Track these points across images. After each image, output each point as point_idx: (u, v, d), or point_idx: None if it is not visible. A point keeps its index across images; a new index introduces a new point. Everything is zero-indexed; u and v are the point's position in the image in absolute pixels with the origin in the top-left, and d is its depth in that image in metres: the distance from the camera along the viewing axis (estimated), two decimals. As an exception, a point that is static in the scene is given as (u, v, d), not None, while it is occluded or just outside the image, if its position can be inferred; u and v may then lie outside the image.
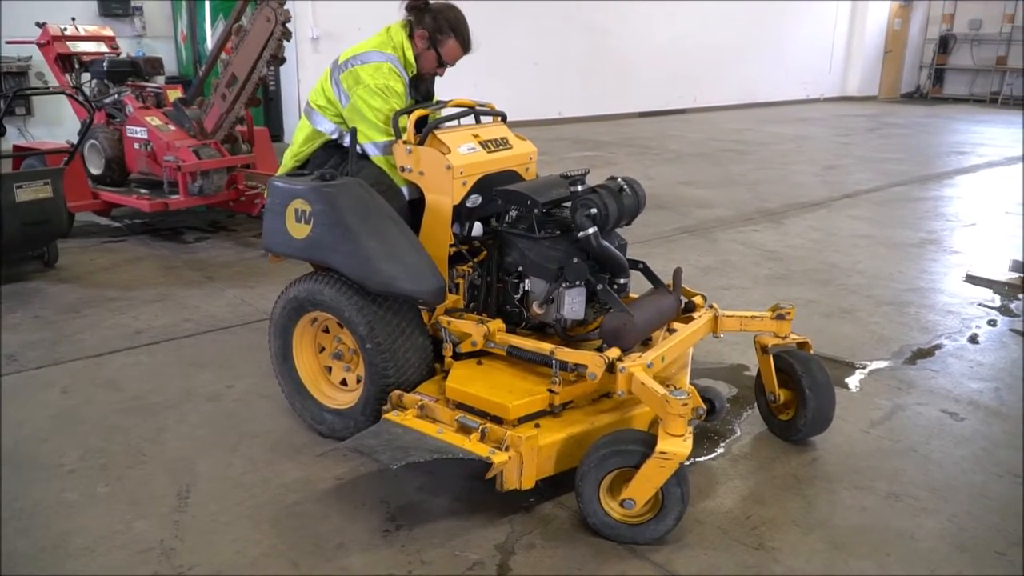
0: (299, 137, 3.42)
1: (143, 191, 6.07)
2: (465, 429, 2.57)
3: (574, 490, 2.50)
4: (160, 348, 3.97)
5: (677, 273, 3.12)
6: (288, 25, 5.31)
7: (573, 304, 2.84)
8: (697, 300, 3.15)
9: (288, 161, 3.42)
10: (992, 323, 4.54)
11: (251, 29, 5.44)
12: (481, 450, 2.46)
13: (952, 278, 5.41)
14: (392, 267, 2.75)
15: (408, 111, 3.10)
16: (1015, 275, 5.25)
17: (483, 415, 2.65)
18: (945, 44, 20.41)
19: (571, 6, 13.34)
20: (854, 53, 19.66)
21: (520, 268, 2.96)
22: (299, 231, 2.87)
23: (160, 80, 7.23)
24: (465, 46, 3.32)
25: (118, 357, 3.85)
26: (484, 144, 3.10)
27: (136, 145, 6.08)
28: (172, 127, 5.96)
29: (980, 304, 4.86)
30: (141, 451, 3.00)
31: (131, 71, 6.59)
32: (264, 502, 2.69)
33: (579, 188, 2.82)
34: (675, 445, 2.31)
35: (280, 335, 3.09)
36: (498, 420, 2.62)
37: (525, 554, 2.45)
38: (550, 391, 2.67)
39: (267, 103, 10.10)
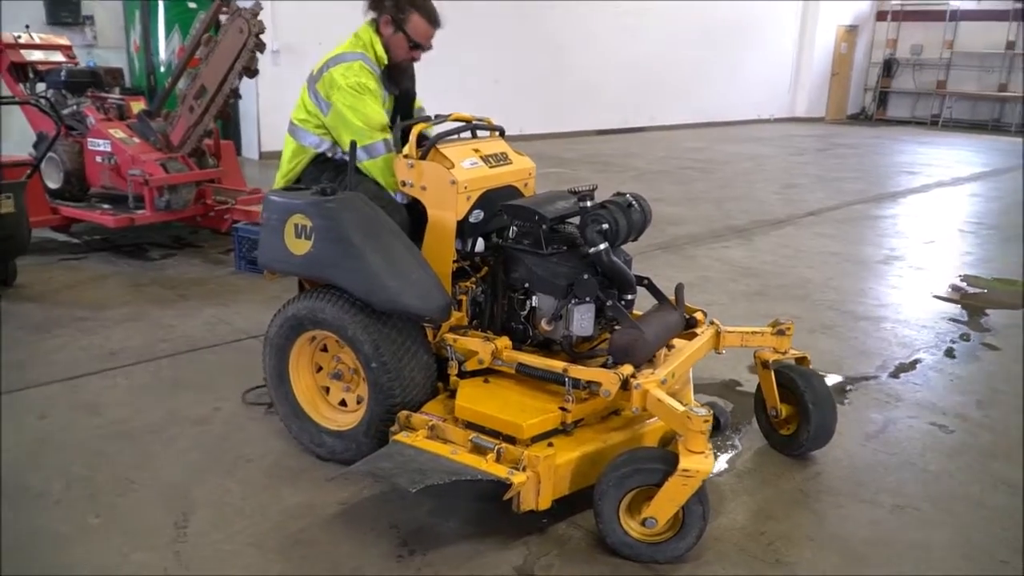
0: (286, 155, 3.34)
1: (106, 206, 5.86)
2: (480, 450, 2.51)
3: (593, 509, 2.46)
4: (137, 370, 3.81)
5: (679, 289, 3.11)
6: (262, 37, 5.20)
7: (582, 320, 2.81)
8: (698, 316, 3.14)
9: (279, 181, 3.33)
10: (965, 337, 4.64)
11: (222, 40, 5.32)
12: (500, 471, 2.40)
13: (920, 294, 5.53)
14: (398, 284, 2.68)
15: (408, 125, 3.05)
16: (973, 289, 5.40)
17: (494, 434, 2.58)
18: (889, 68, 21.10)
19: (532, 24, 13.42)
20: (802, 75, 20.16)
21: (527, 284, 2.91)
22: (299, 247, 2.79)
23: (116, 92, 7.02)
24: (431, 19, 3.23)
25: (94, 380, 3.69)
26: (486, 159, 3.06)
27: (98, 158, 5.86)
28: (137, 140, 5.78)
29: (951, 319, 4.97)
30: (129, 479, 2.86)
31: (90, 81, 6.38)
32: (267, 529, 2.58)
33: (588, 203, 2.80)
34: (698, 462, 2.28)
35: (276, 355, 2.99)
36: (510, 439, 2.56)
37: (546, 574, 2.39)
38: (562, 409, 2.62)
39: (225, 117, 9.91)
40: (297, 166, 3.31)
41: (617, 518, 2.41)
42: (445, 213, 2.91)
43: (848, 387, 3.87)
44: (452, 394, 2.85)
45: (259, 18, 5.18)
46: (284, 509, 2.70)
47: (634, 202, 2.89)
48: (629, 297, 2.84)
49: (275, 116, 9.23)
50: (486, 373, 2.89)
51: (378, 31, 3.23)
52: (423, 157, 2.93)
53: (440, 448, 2.54)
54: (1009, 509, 2.85)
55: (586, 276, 2.76)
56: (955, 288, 5.66)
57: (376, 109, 3.10)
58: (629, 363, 2.63)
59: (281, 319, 2.95)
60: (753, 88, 18.89)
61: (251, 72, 5.39)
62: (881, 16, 21.18)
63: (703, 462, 2.29)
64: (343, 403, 3.01)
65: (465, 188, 2.88)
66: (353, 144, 2.96)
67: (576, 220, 2.91)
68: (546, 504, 2.48)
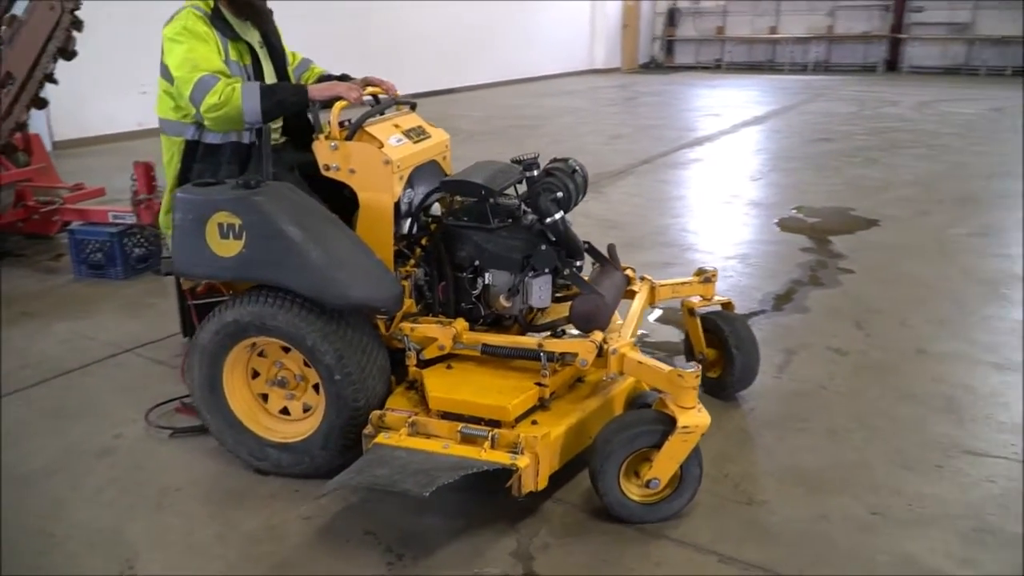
0: (164, 157, 3.05)
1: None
2: (471, 439, 2.40)
3: (592, 479, 2.44)
4: (5, 404, 3.30)
5: (612, 249, 3.12)
6: (78, 13, 4.59)
7: (541, 292, 2.74)
8: (630, 274, 3.17)
9: (168, 184, 3.01)
10: (823, 264, 5.05)
11: (29, 19, 4.64)
12: (502, 458, 2.32)
13: (767, 227, 5.95)
14: (347, 276, 2.48)
15: (325, 102, 2.80)
16: (811, 219, 5.89)
17: (474, 420, 2.49)
18: (672, 17, 22.32)
19: (368, 3, 12.90)
20: (598, 29, 20.84)
21: (477, 262, 2.80)
22: (227, 248, 2.50)
23: None
24: None
25: (-48, 424, 3.16)
26: (407, 134, 2.88)
27: None
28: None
29: (802, 249, 5.39)
30: (47, 532, 2.49)
31: None
32: (234, 561, 2.35)
33: (535, 173, 2.72)
34: (695, 418, 2.31)
35: (209, 362, 2.68)
36: (493, 423, 2.47)
37: (544, 555, 2.35)
38: (539, 384, 2.56)
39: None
40: (173, 160, 2.98)
41: (618, 485, 2.40)
42: (380, 195, 2.71)
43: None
44: (411, 385, 2.71)
45: (73, -8, 4.56)
46: (245, 535, 2.46)
47: (577, 168, 2.84)
48: (578, 263, 2.81)
49: (68, 100, 8.30)
50: (445, 359, 2.76)
51: None
52: (349, 138, 2.71)
53: (430, 444, 2.41)
54: (916, 417, 3.14)
55: (544, 247, 2.68)
56: (794, 219, 6.13)
57: (205, 52, 2.79)
58: (593, 329, 2.61)
59: (217, 324, 2.63)
60: (554, 43, 19.30)
61: (68, 54, 4.76)
62: (662, -33, 22.29)
63: (699, 417, 2.32)
64: (285, 411, 2.77)
65: (398, 167, 2.70)
66: (264, 130, 2.69)
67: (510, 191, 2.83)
68: (544, 483, 2.43)
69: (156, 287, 4.70)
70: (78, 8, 4.60)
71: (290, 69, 3.26)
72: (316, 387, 2.66)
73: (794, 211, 6.38)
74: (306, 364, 2.62)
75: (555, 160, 2.90)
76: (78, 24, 4.64)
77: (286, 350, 2.63)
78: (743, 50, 21.65)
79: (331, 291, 2.46)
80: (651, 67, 22.47)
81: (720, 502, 2.59)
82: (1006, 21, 17.93)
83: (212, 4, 2.91)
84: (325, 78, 3.24)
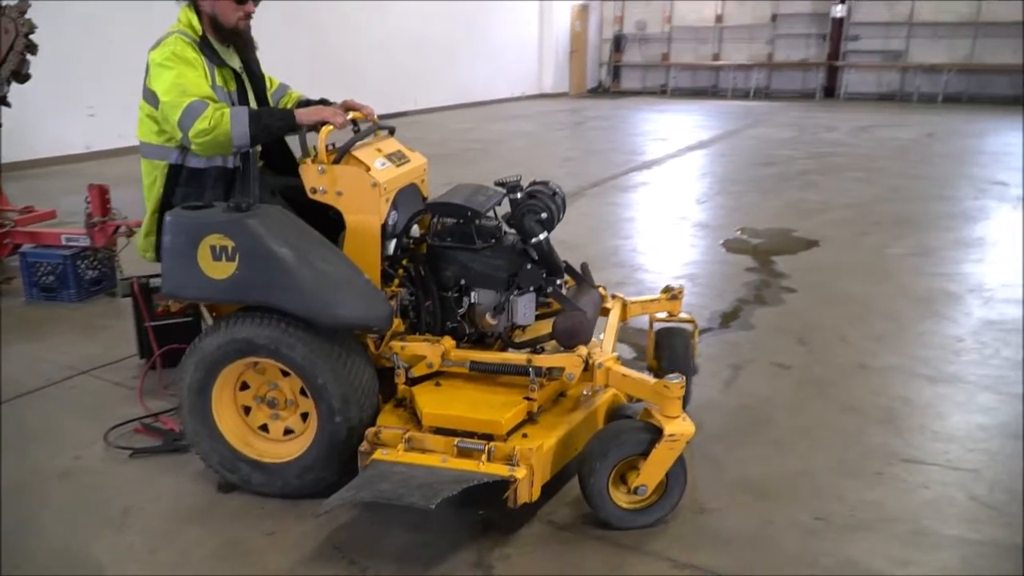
0: (145, 180, 3.04)
1: None
2: (467, 453, 2.49)
3: (581, 487, 2.55)
4: (-44, 428, 3.27)
5: (585, 267, 3.23)
6: (32, 37, 4.57)
7: (526, 310, 2.86)
8: (602, 291, 3.29)
9: (148, 207, 3.03)
10: (766, 284, 5.25)
11: (-19, 41, 4.61)
12: (500, 470, 2.41)
13: (713, 248, 6.15)
14: (340, 296, 2.54)
15: (311, 126, 2.85)
16: (755, 240, 6.12)
17: (467, 435, 2.56)
18: (619, 43, 22.81)
19: (291, 7, 12.90)
20: (546, 54, 21.22)
21: (463, 281, 2.88)
22: (219, 270, 2.52)
23: None
24: None
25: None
26: (390, 158, 2.96)
27: None
28: None
29: (747, 269, 5.59)
30: (15, 548, 2.48)
31: None
32: (200, 577, 2.37)
33: (518, 195, 2.83)
34: (681, 426, 2.46)
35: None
36: (487, 437, 2.56)
37: (505, 565, 2.43)
38: (527, 399, 2.66)
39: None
40: (156, 184, 2.99)
41: (607, 491, 2.51)
42: (368, 217, 2.77)
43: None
44: (399, 403, 2.78)
45: (27, 16, 4.53)
46: (210, 552, 2.49)
47: (557, 190, 2.95)
48: (559, 282, 2.92)
49: (12, 122, 8.17)
50: (433, 377, 2.83)
51: (197, 10, 2.97)
52: (337, 162, 2.77)
53: (429, 459, 2.48)
54: (857, 428, 3.30)
55: (530, 266, 2.80)
56: (738, 240, 6.35)
57: (194, 79, 2.82)
58: (576, 344, 2.72)
59: (226, 337, 2.62)
60: (504, 67, 19.58)
61: (22, 77, 4.72)
62: (608, -5, 22.79)
63: (684, 426, 2.46)
64: (263, 427, 2.79)
65: (385, 190, 2.78)
66: (250, 154, 2.72)
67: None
68: (537, 494, 2.52)
69: (110, 309, 4.68)
70: (32, 32, 4.59)
71: (268, 94, 3.30)
72: (304, 416, 2.71)
73: (739, 232, 6.60)
74: (302, 392, 2.66)
75: (535, 183, 3.01)
76: (32, 48, 4.63)
77: (285, 374, 2.66)
78: (688, 76, 22.21)
79: (325, 311, 2.51)
80: (599, 92, 22.91)
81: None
82: (937, 50, 18.78)
83: (200, 31, 2.95)
84: (304, 103, 3.28)
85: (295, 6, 12.98)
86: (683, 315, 3.37)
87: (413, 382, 2.80)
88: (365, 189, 2.75)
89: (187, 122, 2.74)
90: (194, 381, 2.70)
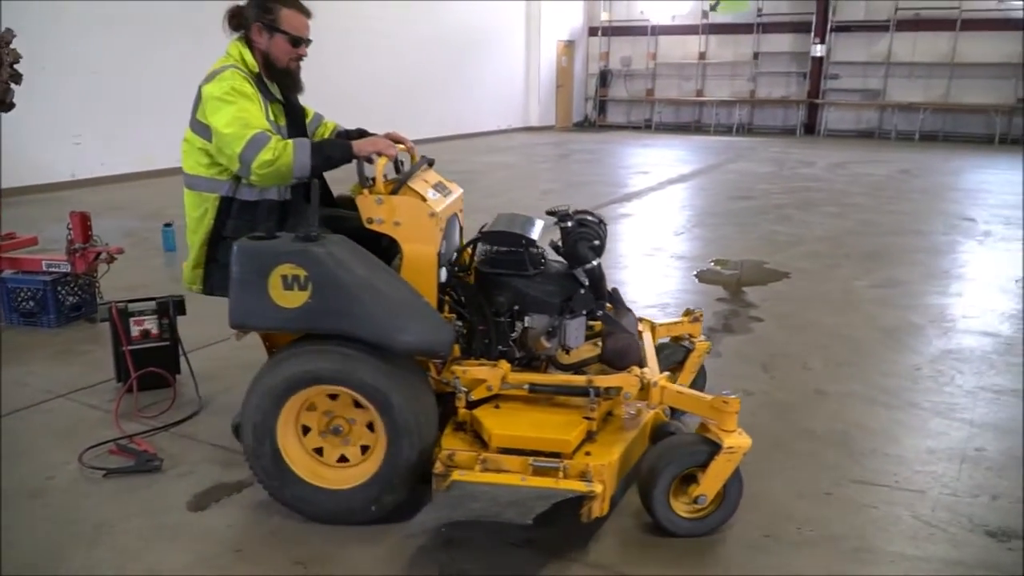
0: (189, 211, 3.08)
1: None
2: (544, 471, 2.58)
3: (643, 499, 2.72)
4: (-69, 448, 3.33)
5: (616, 291, 3.33)
6: (17, 67, 4.70)
7: (576, 333, 2.98)
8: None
9: (196, 239, 3.06)
10: (735, 314, 5.38)
11: (-33, 71, 4.73)
12: (579, 486, 2.51)
13: (687, 279, 6.30)
14: (410, 322, 2.61)
15: (358, 157, 2.94)
16: (728, 271, 6.27)
17: (534, 454, 2.65)
18: (604, 78, 23.21)
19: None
20: (532, 88, 21.55)
21: (516, 306, 2.97)
22: (291, 299, 2.56)
23: None
24: (300, 8, 3.10)
25: None
26: (436, 188, 3.06)
27: None
28: None
29: (718, 299, 5.73)
30: (-20, 566, 2.55)
31: None
32: (167, 592, 2.45)
33: (569, 224, 2.97)
34: (738, 440, 2.63)
35: (272, 402, 2.69)
36: (554, 455, 2.65)
37: (464, 580, 2.51)
38: (587, 418, 2.78)
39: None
40: (206, 216, 3.04)
41: (667, 502, 2.67)
42: (425, 247, 2.84)
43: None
44: (458, 426, 2.86)
45: (12, 46, 4.67)
46: (177, 568, 2.56)
47: (601, 218, 3.11)
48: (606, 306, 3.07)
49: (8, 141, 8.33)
50: (490, 400, 2.92)
51: (250, 46, 3.08)
52: (395, 192, 2.85)
53: (508, 478, 2.57)
54: (812, 451, 3.42)
55: (584, 291, 2.93)
56: (712, 271, 6.50)
57: (254, 112, 2.89)
58: (626, 365, 2.87)
59: (296, 369, 2.66)
60: (491, 101, 19.88)
61: (6, 106, 4.84)
62: (592, 32, 23.22)
63: (742, 439, 2.63)
64: (318, 450, 2.84)
65: (440, 219, 2.87)
66: (312, 185, 2.74)
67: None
68: (607, 508, 2.62)
69: (89, 335, 4.75)
70: (17, 61, 4.71)
71: (306, 124, 3.38)
72: (364, 448, 2.79)
73: (713, 264, 6.76)
74: (369, 427, 2.75)
75: (579, 212, 3.13)
76: (17, 77, 4.74)
77: (357, 405, 2.73)
78: (672, 111, 22.61)
79: (398, 338, 2.58)
80: (585, 126, 23.26)
81: (627, 527, 2.79)
82: (914, 89, 19.22)
83: (256, 67, 3.04)
84: (342, 133, 3.38)
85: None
86: (700, 340, 3.54)
87: (471, 406, 2.87)
88: (423, 219, 2.82)
89: (250, 153, 2.79)
90: (259, 416, 2.72)
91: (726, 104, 21.50)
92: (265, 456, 2.74)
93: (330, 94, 13.82)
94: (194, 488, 3.04)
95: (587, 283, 2.97)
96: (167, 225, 6.95)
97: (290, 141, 2.87)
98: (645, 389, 2.83)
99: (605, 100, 23.52)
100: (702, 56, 21.82)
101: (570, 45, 22.69)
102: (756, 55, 21.08)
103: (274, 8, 3.04)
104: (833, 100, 20.30)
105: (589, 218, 3.12)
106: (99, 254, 4.84)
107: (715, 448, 2.62)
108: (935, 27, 18.69)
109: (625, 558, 2.63)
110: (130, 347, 3.82)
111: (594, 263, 2.94)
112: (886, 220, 8.81)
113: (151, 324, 3.90)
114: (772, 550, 2.67)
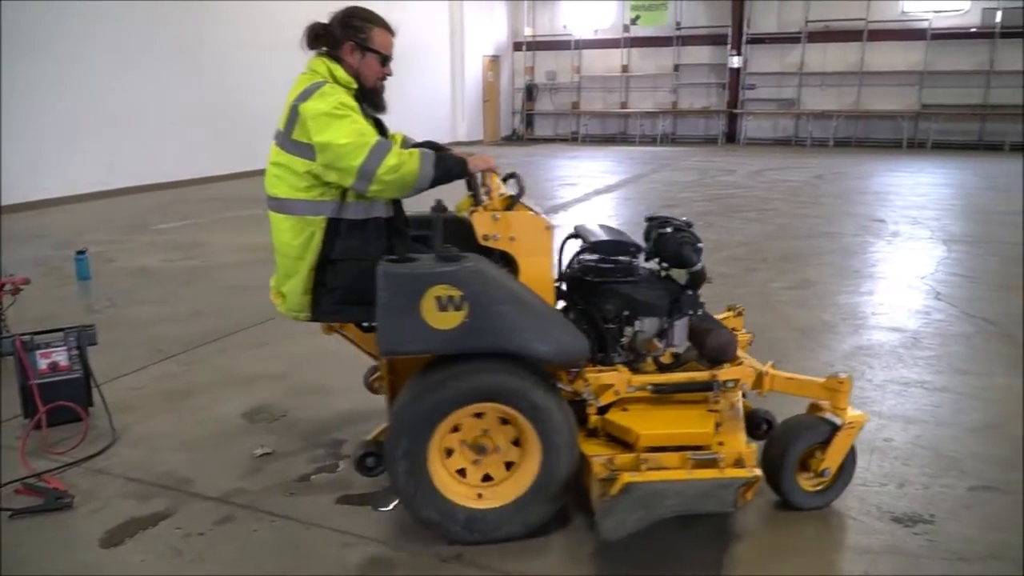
0: (286, 238, 2.93)
1: None
2: (706, 463, 2.66)
3: (769, 476, 2.89)
4: None
5: None
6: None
7: (681, 334, 3.04)
8: None
9: (302, 265, 2.92)
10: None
11: None
12: (743, 473, 2.61)
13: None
14: (559, 334, 2.68)
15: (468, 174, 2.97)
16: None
17: (680, 449, 2.72)
18: (530, 92, 23.47)
19: (199, 60, 12.90)
20: (459, 103, 21.63)
21: (626, 312, 2.98)
22: (446, 320, 2.51)
23: None
24: (389, 27, 3.08)
25: None
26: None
27: None
28: None
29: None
30: None
31: None
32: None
33: (669, 229, 3.05)
34: (855, 415, 2.88)
35: (422, 429, 2.65)
36: (696, 448, 2.73)
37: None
38: (712, 411, 2.88)
39: None
40: (313, 240, 2.90)
41: (795, 478, 2.89)
42: (542, 259, 2.89)
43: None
44: (589, 432, 2.90)
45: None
46: None
47: (691, 221, 3.16)
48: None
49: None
50: (616, 404, 2.94)
51: (340, 63, 3.00)
52: (509, 209, 2.86)
53: (678, 474, 2.62)
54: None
55: (691, 293, 2.99)
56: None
57: (367, 124, 2.84)
58: (726, 360, 2.97)
59: (466, 387, 2.64)
60: (417, 117, 19.80)
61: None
62: (517, 47, 23.49)
63: (858, 415, 2.88)
64: (461, 471, 2.81)
65: (552, 232, 2.91)
66: (438, 203, 2.69)
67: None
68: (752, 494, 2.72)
69: (-5, 370, 4.56)
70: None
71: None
72: (508, 465, 2.81)
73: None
74: (516, 442, 2.78)
75: (668, 218, 3.18)
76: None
77: (504, 422, 2.76)
78: (598, 123, 22.98)
79: (543, 349, 2.63)
80: (513, 139, 23.43)
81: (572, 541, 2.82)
82: (827, 97, 19.96)
83: (354, 84, 2.99)
84: (411, 144, 3.27)
85: (203, 60, 13.02)
86: (743, 333, 3.59)
87: (604, 411, 2.90)
88: (540, 233, 2.86)
89: (374, 161, 2.73)
90: (406, 444, 2.66)
91: (650, 115, 21.96)
92: (418, 486, 2.70)
93: (235, 113, 13.78)
94: (107, 524, 2.94)
95: (684, 284, 3.05)
96: (80, 253, 6.72)
97: (415, 150, 2.84)
98: (759, 379, 2.99)
99: (532, 114, 23.76)
100: (625, 69, 22.27)
101: (496, 60, 22.87)
102: (676, 67, 21.62)
103: (366, 28, 3.00)
104: (751, 110, 20.93)
105: (681, 224, 3.17)
106: (3, 285, 4.66)
107: (831, 426, 2.84)
108: (844, 38, 19.50)
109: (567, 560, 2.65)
110: (37, 381, 3.69)
111: (700, 265, 3.01)
112: (801, 223, 9.11)
113: (60, 356, 3.77)
114: (689, 544, 2.73)
